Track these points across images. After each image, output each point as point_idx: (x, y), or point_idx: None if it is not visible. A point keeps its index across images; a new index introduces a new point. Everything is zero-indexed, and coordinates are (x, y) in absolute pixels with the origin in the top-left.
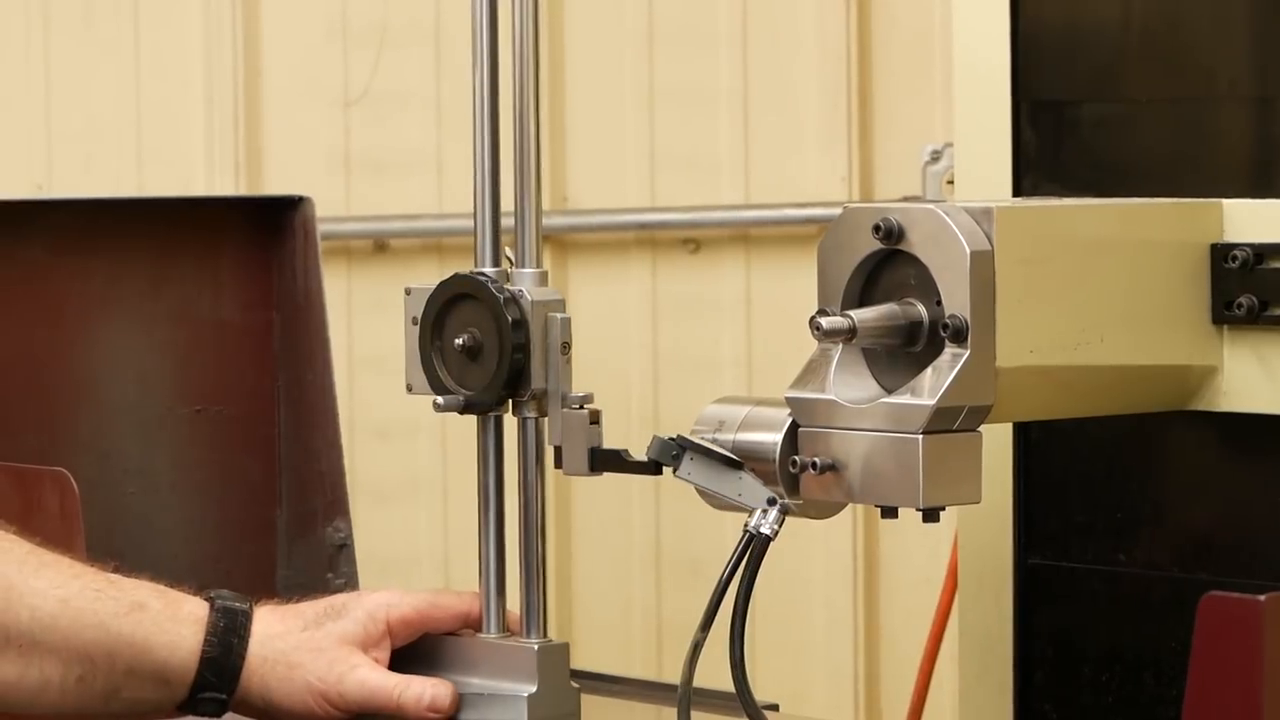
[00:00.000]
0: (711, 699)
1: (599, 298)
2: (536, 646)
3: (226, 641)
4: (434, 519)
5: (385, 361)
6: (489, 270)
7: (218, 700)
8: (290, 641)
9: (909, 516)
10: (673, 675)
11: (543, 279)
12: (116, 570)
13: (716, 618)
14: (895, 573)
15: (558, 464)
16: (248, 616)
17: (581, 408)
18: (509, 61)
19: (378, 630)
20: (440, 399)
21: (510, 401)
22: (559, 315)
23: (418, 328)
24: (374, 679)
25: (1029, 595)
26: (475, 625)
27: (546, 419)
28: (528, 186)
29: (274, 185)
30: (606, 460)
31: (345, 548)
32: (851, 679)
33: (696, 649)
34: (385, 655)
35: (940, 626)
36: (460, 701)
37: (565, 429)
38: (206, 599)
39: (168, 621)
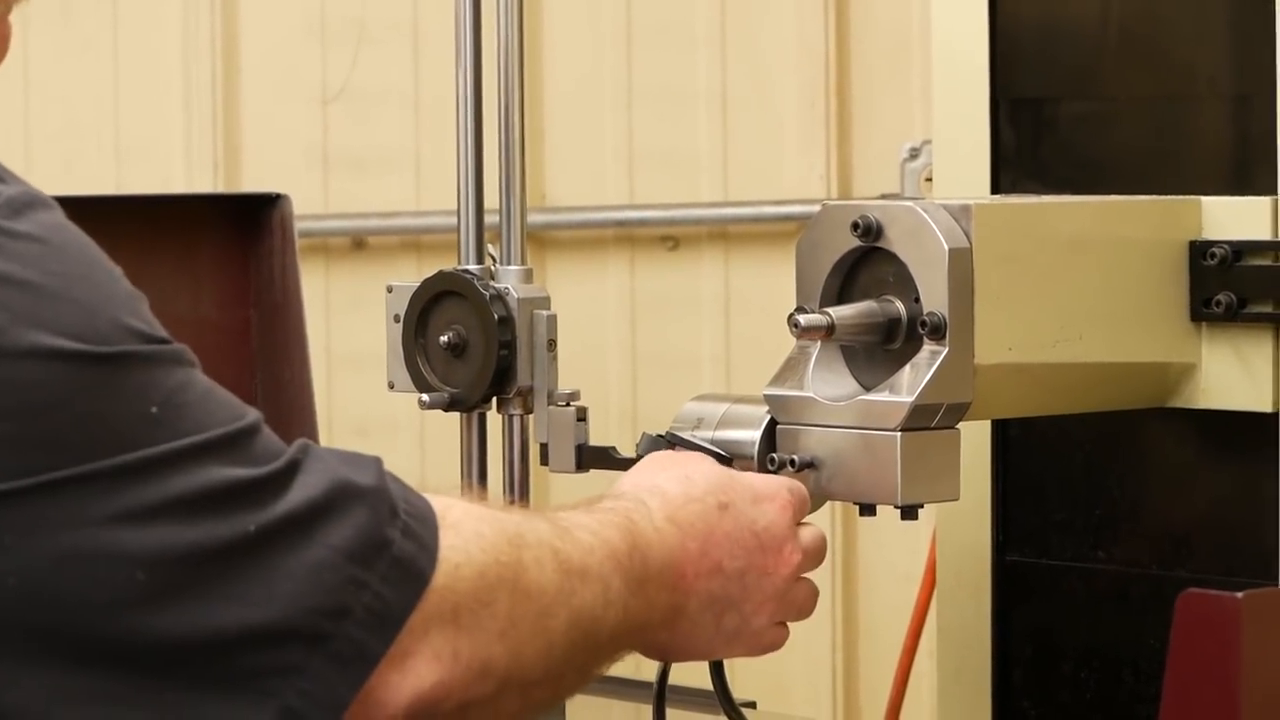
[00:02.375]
0: (688, 697)
1: (578, 295)
2: None
3: None
4: None
5: (364, 359)
6: (473, 268)
7: None
8: None
9: (887, 514)
10: (649, 673)
11: (528, 276)
12: None
13: None
14: (873, 570)
15: (542, 461)
16: None
17: (568, 405)
18: (491, 60)
19: None
20: (425, 396)
21: (495, 399)
22: (545, 312)
23: (400, 325)
24: None
25: (1007, 593)
26: None
27: (532, 416)
28: (513, 184)
29: (252, 183)
30: (594, 457)
31: None
32: (830, 676)
33: None
34: None
35: (918, 624)
36: None
37: (552, 426)
38: None
39: None
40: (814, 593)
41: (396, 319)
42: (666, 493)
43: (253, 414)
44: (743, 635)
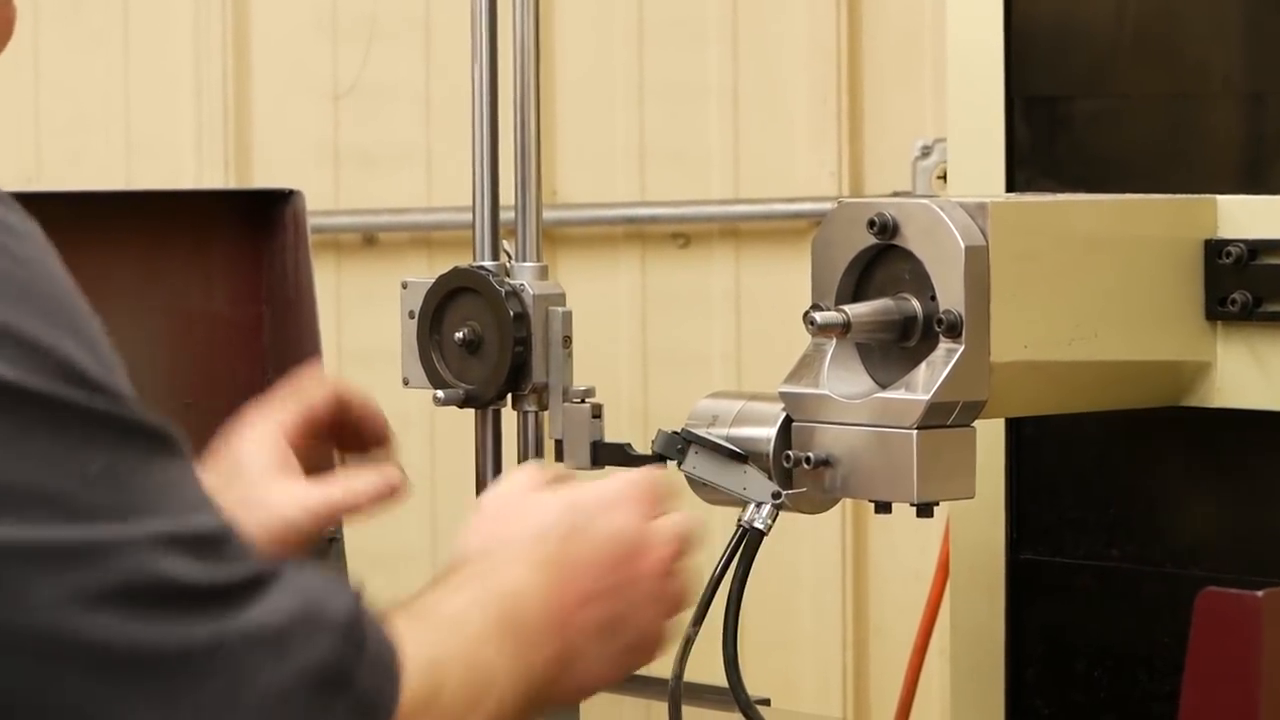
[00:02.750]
0: (703, 694)
1: (588, 292)
2: None
3: None
4: (422, 514)
5: (374, 355)
6: (488, 264)
7: None
8: None
9: (899, 511)
10: (663, 670)
11: (543, 273)
12: None
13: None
14: (885, 567)
15: (557, 458)
16: None
17: (583, 401)
18: (506, 56)
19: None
20: (440, 393)
21: (510, 395)
22: (560, 309)
23: (414, 322)
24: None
25: (1021, 590)
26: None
27: (546, 413)
28: (528, 180)
29: (263, 178)
30: (609, 454)
31: (335, 542)
32: (840, 673)
33: (688, 644)
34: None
35: (930, 621)
36: None
37: (567, 423)
38: None
39: None
40: (686, 582)
41: (411, 315)
42: (516, 541)
43: (226, 517)
44: (635, 648)
